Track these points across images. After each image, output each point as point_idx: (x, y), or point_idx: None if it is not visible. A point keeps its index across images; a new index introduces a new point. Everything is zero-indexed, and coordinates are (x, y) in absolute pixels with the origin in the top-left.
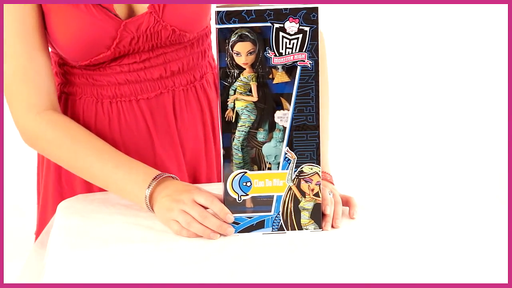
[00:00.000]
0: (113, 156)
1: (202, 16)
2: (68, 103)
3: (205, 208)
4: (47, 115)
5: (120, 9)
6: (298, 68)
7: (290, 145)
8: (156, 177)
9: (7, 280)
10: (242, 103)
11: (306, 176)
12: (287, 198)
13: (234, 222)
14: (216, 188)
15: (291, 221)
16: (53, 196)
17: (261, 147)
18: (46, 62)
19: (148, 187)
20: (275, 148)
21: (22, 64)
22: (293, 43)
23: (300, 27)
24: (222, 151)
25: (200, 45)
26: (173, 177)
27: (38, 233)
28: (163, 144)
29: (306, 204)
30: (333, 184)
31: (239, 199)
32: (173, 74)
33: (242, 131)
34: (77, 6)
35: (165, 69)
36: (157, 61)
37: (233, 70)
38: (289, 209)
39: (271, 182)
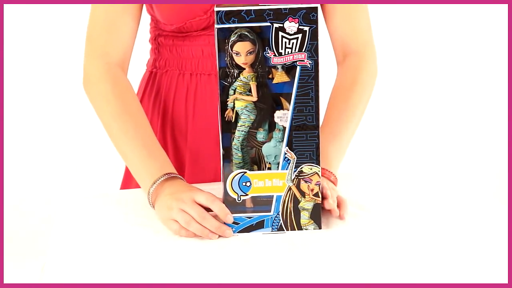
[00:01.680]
0: (146, 136)
1: None
2: (156, 77)
3: (206, 208)
4: (113, 70)
5: None
6: (298, 68)
7: (289, 145)
8: (165, 174)
9: (7, 280)
10: (242, 103)
11: (305, 176)
12: (287, 198)
13: (233, 222)
14: (216, 188)
15: (290, 221)
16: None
17: (261, 147)
18: (133, 27)
19: (154, 183)
20: (274, 148)
21: (113, 15)
22: (293, 43)
23: (300, 27)
24: (221, 151)
25: None
26: (181, 179)
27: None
28: None
29: (306, 204)
30: (335, 185)
31: (239, 199)
32: None
33: (242, 131)
34: None
35: None
36: None
37: (232, 70)
38: (288, 209)
39: (271, 182)
